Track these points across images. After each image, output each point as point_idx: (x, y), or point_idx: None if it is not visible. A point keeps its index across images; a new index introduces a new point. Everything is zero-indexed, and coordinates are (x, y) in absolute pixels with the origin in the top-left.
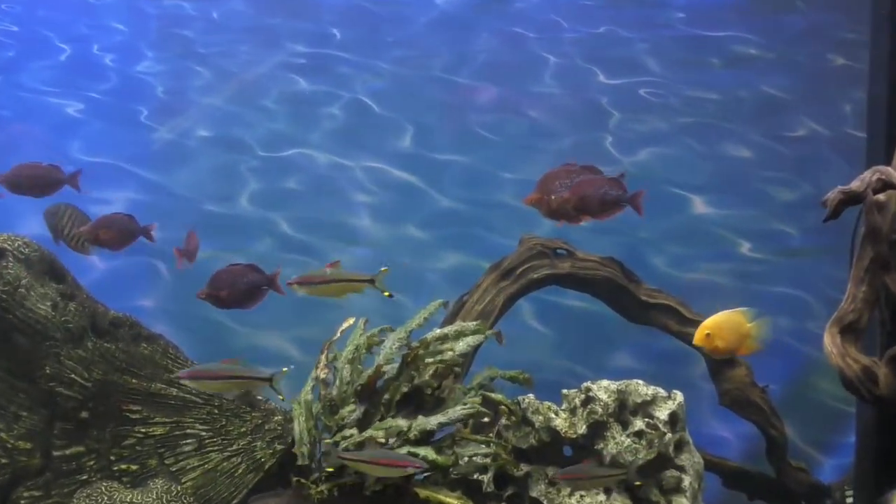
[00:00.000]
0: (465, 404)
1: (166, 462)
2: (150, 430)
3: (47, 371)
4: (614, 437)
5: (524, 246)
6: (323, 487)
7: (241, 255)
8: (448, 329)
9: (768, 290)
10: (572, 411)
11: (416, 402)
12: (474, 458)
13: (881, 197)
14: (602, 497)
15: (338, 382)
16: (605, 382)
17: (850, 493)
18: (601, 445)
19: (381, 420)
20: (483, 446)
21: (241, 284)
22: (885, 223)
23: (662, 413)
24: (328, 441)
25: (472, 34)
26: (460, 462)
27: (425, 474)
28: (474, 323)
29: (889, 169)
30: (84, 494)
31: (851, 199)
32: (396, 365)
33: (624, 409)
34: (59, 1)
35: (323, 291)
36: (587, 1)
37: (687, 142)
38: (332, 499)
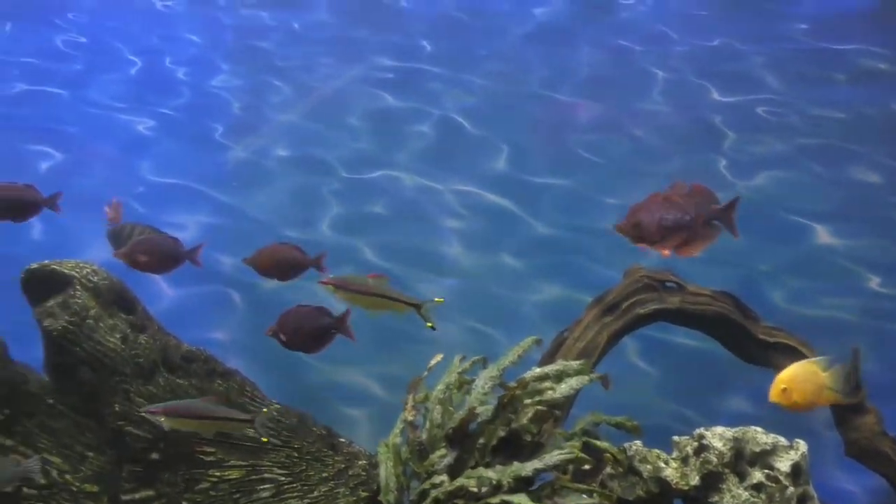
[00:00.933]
0: (562, 449)
1: None
2: (225, 473)
3: (116, 409)
4: (730, 490)
5: (630, 278)
6: None
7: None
8: (549, 368)
9: None
10: (684, 460)
11: (513, 447)
12: None
13: None
14: None
15: (427, 425)
16: (719, 429)
17: None
18: (716, 499)
19: (474, 467)
20: (585, 496)
21: (307, 328)
22: None
23: (784, 464)
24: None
25: (572, 47)
26: None
27: None
28: (577, 362)
29: None
30: None
31: None
32: (491, 406)
33: (741, 459)
34: (129, 10)
35: (359, 301)
36: (700, 10)
37: (809, 165)
38: None
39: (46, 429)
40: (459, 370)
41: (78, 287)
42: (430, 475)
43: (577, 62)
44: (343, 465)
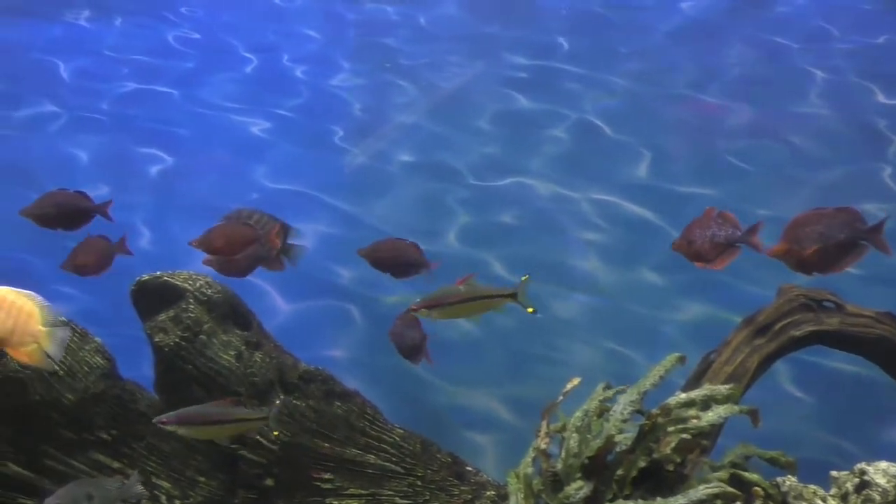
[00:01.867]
0: (709, 482)
1: None
2: (344, 502)
3: None
4: None
5: (783, 297)
6: None
7: None
8: (695, 394)
9: None
10: (843, 498)
11: (655, 479)
12: None
13: None
14: None
15: (563, 454)
16: (882, 464)
17: None
18: None
19: (612, 500)
20: None
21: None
22: None
23: None
24: None
25: (722, 44)
26: None
27: None
28: (726, 387)
29: None
30: None
31: None
32: (631, 434)
33: None
34: (245, 5)
35: (457, 312)
36: (864, 5)
37: None
38: None
39: (155, 451)
40: (601, 398)
41: (191, 300)
42: None
43: (727, 61)
44: (470, 496)
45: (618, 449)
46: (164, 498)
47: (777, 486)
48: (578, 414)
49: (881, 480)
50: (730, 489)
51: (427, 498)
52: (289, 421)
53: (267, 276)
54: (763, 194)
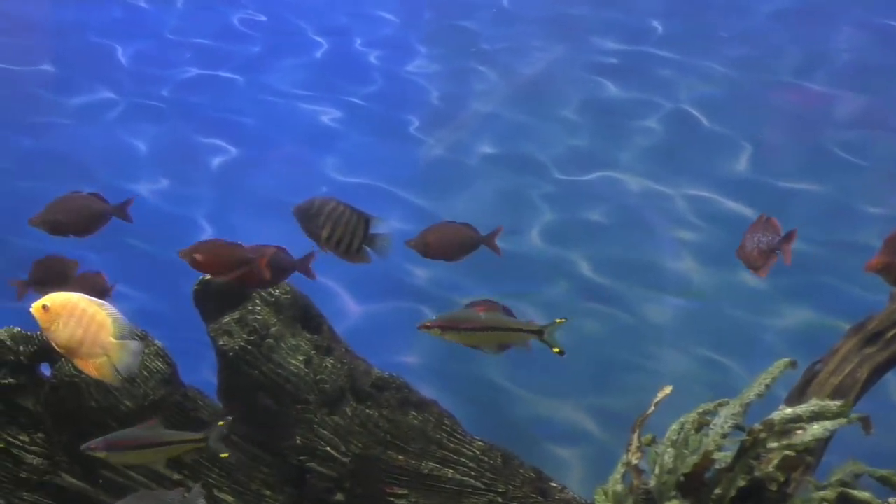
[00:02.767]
0: (813, 502)
1: None
2: None
3: (297, 442)
4: None
5: None
6: None
7: (529, 302)
8: (801, 409)
9: None
10: None
11: (755, 499)
12: None
13: None
14: None
15: (657, 470)
16: None
17: None
18: None
19: None
20: None
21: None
22: None
23: None
24: None
25: (830, 28)
26: None
27: None
28: (836, 403)
29: None
30: None
31: None
32: (730, 451)
33: None
34: None
35: (472, 340)
36: None
37: None
38: None
39: (218, 462)
40: (701, 410)
41: (257, 301)
42: None
43: (835, 46)
44: None
45: (716, 466)
46: None
47: None
48: (674, 427)
49: None
50: None
51: None
52: (361, 431)
53: (337, 275)
54: (875, 190)
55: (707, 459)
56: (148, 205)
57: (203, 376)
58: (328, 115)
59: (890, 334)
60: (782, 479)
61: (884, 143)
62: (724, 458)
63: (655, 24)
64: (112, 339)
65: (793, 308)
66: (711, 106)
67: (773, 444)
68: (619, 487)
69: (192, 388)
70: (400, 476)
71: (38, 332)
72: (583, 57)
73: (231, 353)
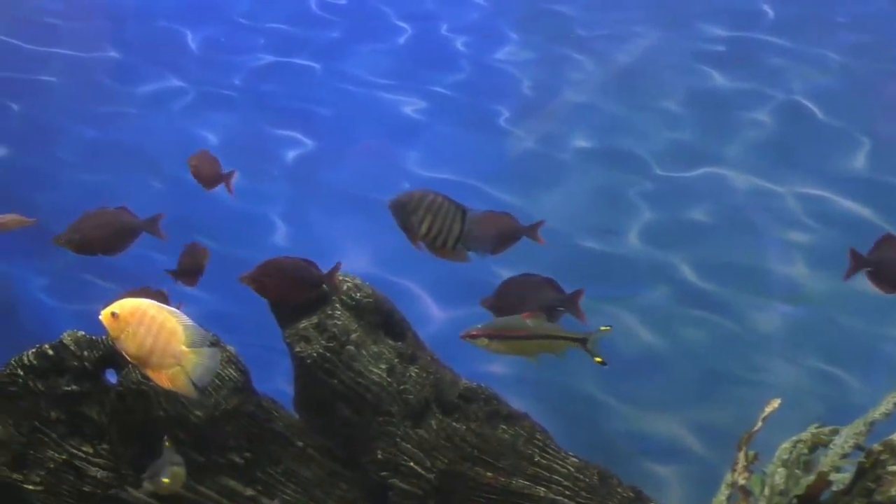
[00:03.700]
0: None
1: None
2: None
3: (378, 456)
4: None
5: None
6: None
7: (625, 307)
8: None
9: None
10: None
11: None
12: None
13: None
14: None
15: (766, 491)
16: None
17: None
18: None
19: None
20: None
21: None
22: None
23: None
24: None
25: None
26: None
27: None
28: None
29: None
30: None
31: None
32: (848, 473)
33: None
34: None
35: (518, 349)
36: None
37: None
38: None
39: (294, 477)
40: (815, 430)
41: (337, 305)
42: None
43: None
44: None
45: (832, 488)
46: None
47: None
48: (786, 445)
49: None
50: None
51: None
52: (447, 446)
53: (419, 278)
54: None
55: (823, 481)
56: (217, 201)
57: (275, 385)
58: (411, 106)
59: None
60: None
61: None
62: (841, 479)
63: (766, 8)
64: (184, 348)
65: None
66: (827, 97)
67: (894, 467)
68: None
69: (267, 397)
70: (488, 494)
71: (104, 336)
72: (687, 44)
73: (309, 361)
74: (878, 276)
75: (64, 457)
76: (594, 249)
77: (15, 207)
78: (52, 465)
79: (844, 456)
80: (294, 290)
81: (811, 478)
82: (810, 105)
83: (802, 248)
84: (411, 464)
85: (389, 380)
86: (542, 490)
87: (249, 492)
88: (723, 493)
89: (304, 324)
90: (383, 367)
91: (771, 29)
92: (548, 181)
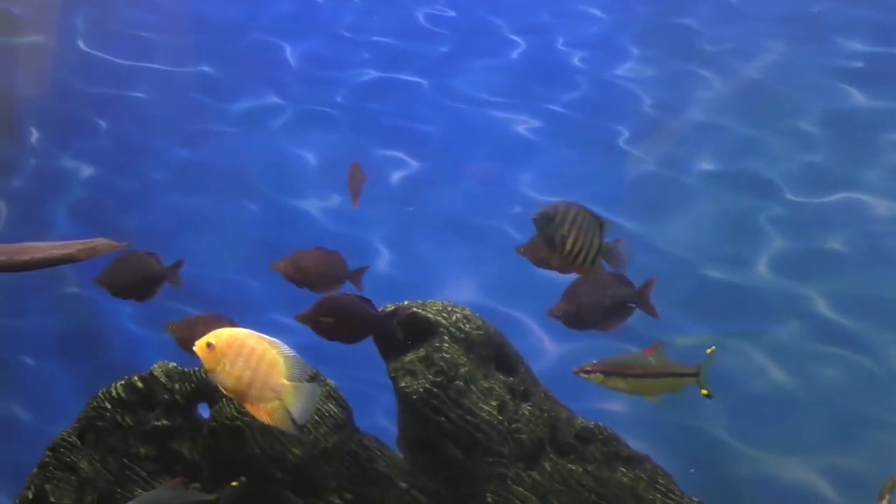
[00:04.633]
0: None
1: None
2: None
3: (489, 500)
4: None
5: None
6: None
7: (754, 343)
8: None
9: None
10: None
11: None
12: None
13: None
14: None
15: None
16: None
17: None
18: None
19: None
20: None
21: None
22: None
23: None
24: None
25: None
26: None
27: None
28: None
29: None
30: None
31: None
32: None
33: None
34: None
35: (636, 388)
36: None
37: None
38: None
39: None
40: None
41: (445, 337)
42: None
43: None
44: None
45: None
46: None
47: None
48: None
49: None
50: None
51: None
52: (562, 489)
53: (530, 308)
54: None
55: None
56: (317, 224)
57: (376, 422)
58: (524, 125)
59: None
60: None
61: None
62: None
63: None
64: (284, 381)
65: None
66: None
67: None
68: None
69: (369, 435)
70: None
71: (197, 369)
72: (823, 60)
73: (415, 396)
74: None
75: None
76: (720, 280)
77: (103, 230)
78: None
79: None
80: (349, 333)
81: None
82: None
83: None
84: None
85: (500, 418)
86: None
87: None
88: None
89: (409, 356)
90: (494, 403)
91: None
92: (670, 206)
